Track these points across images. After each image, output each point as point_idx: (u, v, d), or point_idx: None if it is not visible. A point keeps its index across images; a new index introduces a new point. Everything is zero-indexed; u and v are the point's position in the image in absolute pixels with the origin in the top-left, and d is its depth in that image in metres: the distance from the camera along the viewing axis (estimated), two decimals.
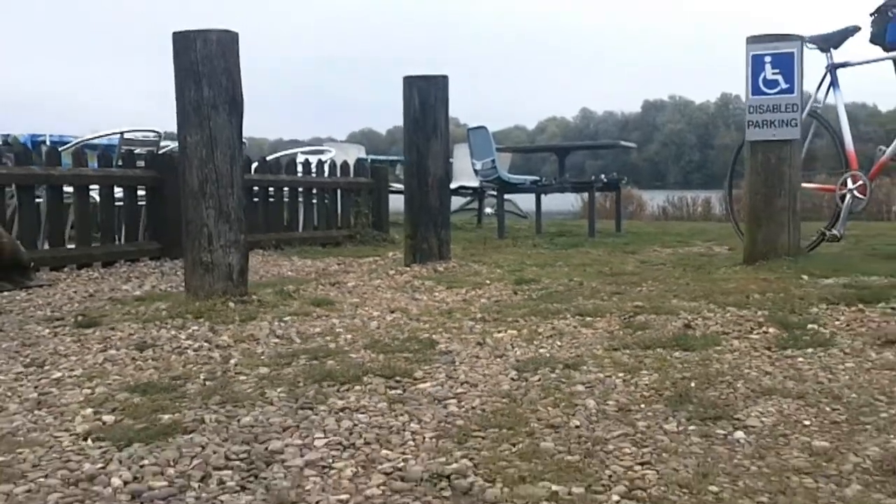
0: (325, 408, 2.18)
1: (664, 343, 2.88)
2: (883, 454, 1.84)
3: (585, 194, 10.51)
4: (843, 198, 5.14)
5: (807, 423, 2.07)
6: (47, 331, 3.29)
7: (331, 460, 1.81)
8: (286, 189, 7.03)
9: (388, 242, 7.40)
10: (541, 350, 2.83)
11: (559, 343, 2.93)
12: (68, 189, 5.29)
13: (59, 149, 5.42)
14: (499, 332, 3.13)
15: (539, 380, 2.44)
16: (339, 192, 7.64)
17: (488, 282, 4.49)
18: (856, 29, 5.24)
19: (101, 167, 5.54)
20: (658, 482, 1.69)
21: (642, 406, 2.20)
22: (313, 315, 3.52)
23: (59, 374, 2.58)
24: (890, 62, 5.09)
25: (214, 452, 1.84)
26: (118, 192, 5.64)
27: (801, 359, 2.66)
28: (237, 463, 1.80)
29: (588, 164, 39.40)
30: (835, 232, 5.10)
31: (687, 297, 3.74)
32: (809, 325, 3.07)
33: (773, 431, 2.01)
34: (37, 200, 5.26)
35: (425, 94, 5.19)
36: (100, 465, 1.77)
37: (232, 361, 2.71)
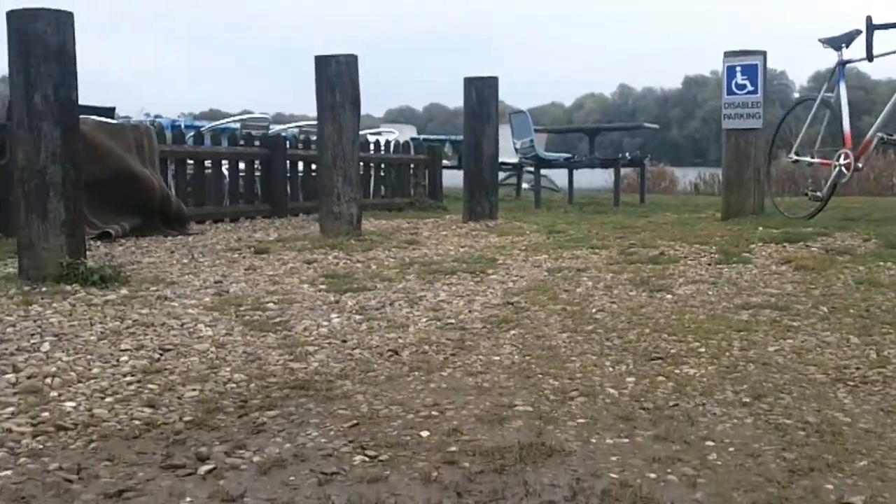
0: (440, 284, 4.05)
1: (643, 261, 4.70)
2: (744, 303, 3.64)
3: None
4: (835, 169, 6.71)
5: (709, 293, 3.89)
6: (235, 255, 5.16)
7: (451, 300, 3.67)
8: (361, 164, 8.87)
9: (443, 209, 9.24)
10: (563, 264, 4.67)
11: (575, 261, 4.77)
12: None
13: (201, 130, 7.31)
14: (536, 256, 4.97)
15: (561, 275, 4.29)
16: (401, 166, 9.49)
17: (528, 232, 6.32)
18: (858, 32, 6.82)
19: (230, 146, 7.43)
20: (617, 307, 3.53)
21: (619, 286, 4.03)
22: (410, 248, 5.38)
23: (270, 272, 4.45)
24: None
25: (389, 296, 3.71)
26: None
27: (725, 268, 4.48)
28: (402, 300, 3.65)
29: (626, 141, 41.02)
30: (817, 193, 6.70)
31: (669, 239, 5.55)
32: (742, 254, 4.87)
33: (688, 296, 3.82)
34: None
35: (480, 91, 7.02)
36: (336, 299, 3.65)
37: (372, 267, 4.58)
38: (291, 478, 1.82)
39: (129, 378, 2.53)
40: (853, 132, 6.48)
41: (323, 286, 3.99)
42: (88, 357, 2.74)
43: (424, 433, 2.08)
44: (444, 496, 1.73)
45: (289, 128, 9.72)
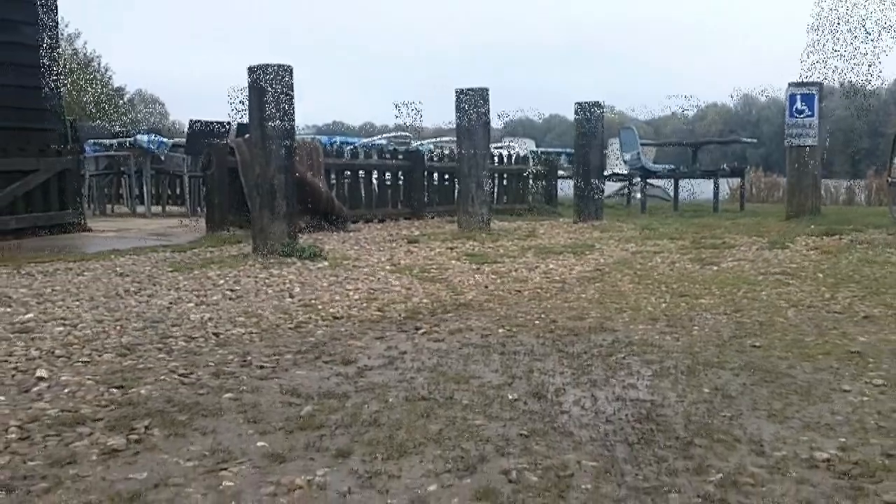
0: (550, 259, 5.89)
1: (707, 247, 6.43)
2: (766, 272, 5.35)
3: (734, 181, 14.10)
4: None
5: (746, 266, 5.60)
6: (393, 244, 7.09)
7: (557, 268, 5.51)
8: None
9: (557, 214, 11.06)
10: (644, 248, 6.45)
11: (654, 247, 6.54)
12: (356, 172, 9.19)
13: (357, 145, 9.33)
14: (626, 244, 6.76)
15: (640, 255, 6.07)
16: (521, 176, 11.36)
17: (625, 229, 8.09)
18: None
19: (379, 159, 9.43)
20: (673, 273, 5.30)
21: (681, 262, 5.78)
22: (529, 239, 7.23)
23: (424, 254, 6.35)
24: None
25: (514, 266, 5.57)
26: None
27: (767, 252, 6.17)
28: (523, 268, 5.51)
29: (749, 152, 42.02)
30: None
31: (735, 232, 7.25)
32: (786, 243, 6.55)
33: (729, 268, 5.55)
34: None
35: (588, 115, 8.83)
36: (477, 267, 5.52)
37: (500, 250, 6.44)
38: (466, 335, 3.69)
39: (359, 302, 4.44)
40: None
41: (466, 260, 5.87)
42: (328, 293, 4.68)
43: (537, 322, 3.93)
44: (546, 341, 3.56)
45: (426, 143, 11.74)
